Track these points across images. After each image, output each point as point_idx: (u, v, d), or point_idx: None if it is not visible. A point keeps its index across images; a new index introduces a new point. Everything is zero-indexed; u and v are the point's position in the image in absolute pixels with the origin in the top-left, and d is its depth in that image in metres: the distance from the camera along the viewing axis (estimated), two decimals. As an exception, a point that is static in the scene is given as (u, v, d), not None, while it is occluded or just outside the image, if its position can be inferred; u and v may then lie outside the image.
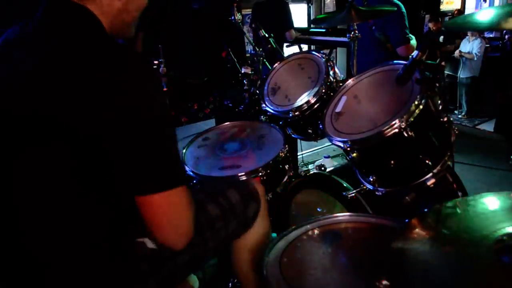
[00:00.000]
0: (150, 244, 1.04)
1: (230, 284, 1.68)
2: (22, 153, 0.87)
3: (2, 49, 0.95)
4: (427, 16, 6.04)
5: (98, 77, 0.81)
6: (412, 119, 1.25)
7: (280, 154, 1.71)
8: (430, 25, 5.99)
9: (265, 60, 2.32)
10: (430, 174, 1.32)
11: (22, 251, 0.94)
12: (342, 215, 1.28)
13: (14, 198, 0.91)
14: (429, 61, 1.30)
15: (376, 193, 1.42)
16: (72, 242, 0.91)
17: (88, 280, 0.94)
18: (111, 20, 0.95)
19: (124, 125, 0.82)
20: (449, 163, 1.36)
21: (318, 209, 1.75)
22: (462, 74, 6.21)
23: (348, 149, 1.38)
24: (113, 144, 0.84)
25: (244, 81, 2.29)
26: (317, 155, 3.54)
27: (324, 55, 1.84)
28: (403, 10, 2.63)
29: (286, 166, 1.79)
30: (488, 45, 6.21)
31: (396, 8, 2.26)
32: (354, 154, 1.41)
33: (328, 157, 3.26)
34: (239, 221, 1.26)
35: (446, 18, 6.69)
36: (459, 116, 6.35)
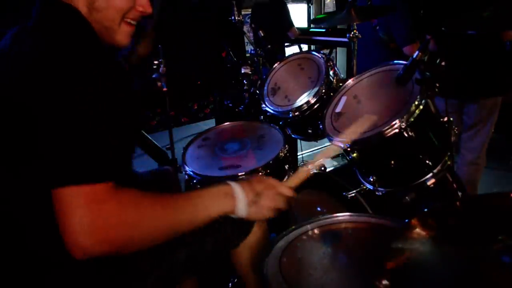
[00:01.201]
0: None
1: (230, 284, 1.68)
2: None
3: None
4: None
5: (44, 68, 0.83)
6: (412, 119, 1.25)
7: (280, 154, 1.71)
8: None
9: (265, 60, 2.32)
10: (430, 174, 1.32)
11: (19, 249, 0.94)
12: (342, 215, 1.28)
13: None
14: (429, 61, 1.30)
15: (376, 193, 1.42)
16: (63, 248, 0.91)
17: (87, 279, 0.94)
18: (91, 19, 0.96)
19: (46, 110, 0.80)
20: (449, 163, 1.36)
21: (318, 209, 1.75)
22: (462, 74, 6.19)
23: (348, 149, 1.38)
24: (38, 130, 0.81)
25: (244, 81, 2.29)
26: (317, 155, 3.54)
27: (324, 55, 1.84)
28: (408, 9, 2.63)
29: (286, 166, 1.79)
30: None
31: (397, 7, 2.26)
32: (354, 154, 1.41)
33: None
34: (237, 226, 1.25)
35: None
36: (459, 116, 6.33)
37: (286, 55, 2.16)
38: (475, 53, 2.07)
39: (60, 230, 0.78)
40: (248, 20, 4.82)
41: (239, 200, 1.02)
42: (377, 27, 2.69)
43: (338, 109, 1.50)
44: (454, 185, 1.54)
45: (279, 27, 4.27)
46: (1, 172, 0.90)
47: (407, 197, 1.43)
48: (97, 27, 0.98)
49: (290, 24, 4.34)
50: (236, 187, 1.03)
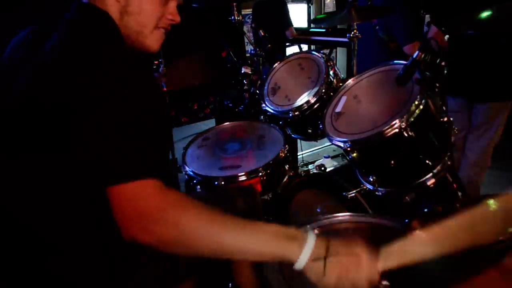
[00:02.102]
0: None
1: (230, 284, 1.68)
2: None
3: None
4: (427, 16, 6.04)
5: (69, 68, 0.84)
6: (412, 119, 1.25)
7: (280, 154, 1.71)
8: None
9: (265, 60, 2.32)
10: (430, 174, 1.32)
11: (18, 245, 0.94)
12: (342, 215, 1.28)
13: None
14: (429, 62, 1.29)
15: (376, 193, 1.42)
16: (69, 240, 0.92)
17: (89, 277, 0.94)
18: (120, 25, 0.97)
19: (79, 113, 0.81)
20: (449, 163, 1.36)
21: (318, 209, 1.75)
22: (462, 74, 6.19)
23: (348, 149, 1.38)
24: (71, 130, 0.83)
25: (244, 81, 2.29)
26: (317, 155, 3.54)
27: (324, 55, 1.84)
28: (409, 8, 2.63)
29: (286, 166, 1.79)
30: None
31: (398, 7, 2.27)
32: (354, 154, 1.41)
33: (328, 157, 3.27)
34: None
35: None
36: (459, 116, 6.33)
37: (286, 55, 2.16)
38: (487, 55, 2.05)
39: (120, 222, 0.83)
40: (248, 20, 4.82)
41: (305, 249, 0.87)
42: (377, 27, 2.69)
43: (338, 109, 1.50)
44: (454, 185, 1.54)
45: (278, 26, 4.27)
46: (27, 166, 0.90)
47: (407, 197, 1.43)
48: (127, 32, 0.99)
49: (290, 23, 4.35)
50: (309, 235, 0.89)
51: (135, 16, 0.98)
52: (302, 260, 0.87)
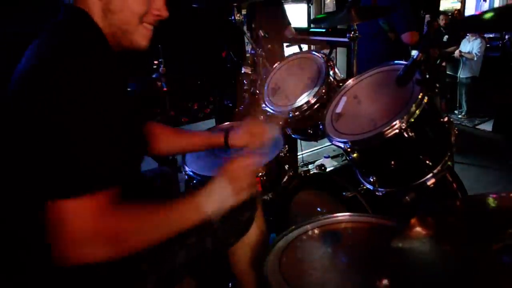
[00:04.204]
0: None
1: (230, 284, 1.68)
2: None
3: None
4: (427, 16, 6.05)
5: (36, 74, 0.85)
6: (412, 120, 1.25)
7: (280, 154, 1.71)
8: (441, 17, 6.02)
9: (265, 60, 2.32)
10: (430, 174, 1.32)
11: (18, 249, 0.94)
12: (342, 215, 1.28)
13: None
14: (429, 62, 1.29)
15: (376, 193, 1.42)
16: None
17: (88, 280, 0.94)
18: (104, 24, 0.98)
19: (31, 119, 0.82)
20: (449, 163, 1.36)
21: (318, 209, 1.75)
22: (462, 74, 6.20)
23: (348, 149, 1.38)
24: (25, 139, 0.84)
25: (244, 81, 2.29)
26: (317, 155, 3.54)
27: (324, 55, 1.84)
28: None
29: (286, 166, 1.79)
30: (488, 45, 6.21)
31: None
32: (354, 155, 1.41)
33: (328, 157, 3.26)
34: (233, 225, 1.25)
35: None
36: (459, 116, 6.34)
37: (286, 55, 2.16)
38: None
39: (51, 239, 0.80)
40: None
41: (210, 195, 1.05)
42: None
43: (338, 110, 1.50)
44: (454, 185, 1.54)
45: (277, 26, 4.26)
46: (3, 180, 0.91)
47: (407, 197, 1.43)
48: (112, 30, 0.99)
49: (288, 22, 4.34)
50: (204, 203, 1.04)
51: (117, 14, 0.98)
52: (213, 204, 1.03)
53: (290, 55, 2.03)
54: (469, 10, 8.21)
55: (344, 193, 1.50)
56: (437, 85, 1.29)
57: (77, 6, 0.96)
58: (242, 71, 2.28)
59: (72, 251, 0.81)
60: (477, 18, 1.20)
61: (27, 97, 0.83)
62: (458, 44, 6.19)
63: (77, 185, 0.80)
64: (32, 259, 0.94)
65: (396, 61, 1.50)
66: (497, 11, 1.24)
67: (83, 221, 0.80)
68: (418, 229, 0.88)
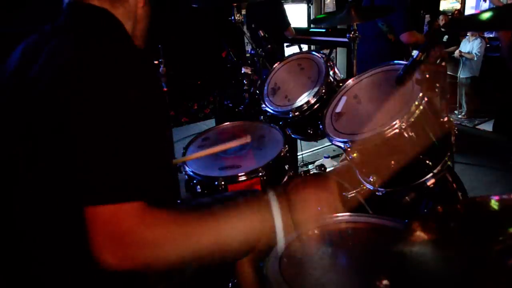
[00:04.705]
0: None
1: (230, 284, 1.68)
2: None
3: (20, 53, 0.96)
4: (427, 16, 6.05)
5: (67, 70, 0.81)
6: (412, 119, 1.25)
7: (280, 154, 1.71)
8: (441, 17, 6.03)
9: (265, 60, 2.32)
10: (430, 174, 1.32)
11: (22, 254, 0.94)
12: (342, 215, 1.28)
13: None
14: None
15: (376, 193, 1.42)
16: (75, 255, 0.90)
17: None
18: (134, 26, 1.01)
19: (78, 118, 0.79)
20: (449, 163, 1.36)
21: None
22: (462, 74, 6.20)
23: (348, 149, 1.38)
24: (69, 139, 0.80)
25: (244, 81, 2.29)
26: (317, 155, 3.54)
27: (324, 55, 1.84)
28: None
29: (286, 166, 1.79)
30: (488, 45, 6.21)
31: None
32: (354, 155, 1.40)
33: (328, 157, 3.26)
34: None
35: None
36: (459, 116, 6.34)
37: (286, 55, 2.16)
38: None
39: (91, 245, 0.78)
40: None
41: (274, 212, 0.98)
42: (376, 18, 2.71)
43: (338, 109, 1.50)
44: (454, 185, 1.54)
45: (276, 26, 4.26)
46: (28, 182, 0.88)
47: (407, 197, 1.43)
48: (132, 33, 1.02)
49: (288, 23, 4.34)
50: (270, 196, 0.98)
51: (142, 23, 1.04)
52: (277, 221, 0.97)
53: (290, 55, 2.03)
54: (469, 10, 8.21)
55: (344, 193, 1.50)
56: (437, 85, 1.29)
57: (100, 7, 0.94)
58: (242, 71, 2.28)
59: (100, 257, 0.78)
60: (476, 18, 1.20)
61: (69, 97, 0.79)
62: (458, 44, 6.19)
63: (105, 194, 0.78)
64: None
65: (396, 61, 1.50)
66: (497, 10, 1.24)
67: (106, 227, 0.78)
68: (419, 230, 0.88)
